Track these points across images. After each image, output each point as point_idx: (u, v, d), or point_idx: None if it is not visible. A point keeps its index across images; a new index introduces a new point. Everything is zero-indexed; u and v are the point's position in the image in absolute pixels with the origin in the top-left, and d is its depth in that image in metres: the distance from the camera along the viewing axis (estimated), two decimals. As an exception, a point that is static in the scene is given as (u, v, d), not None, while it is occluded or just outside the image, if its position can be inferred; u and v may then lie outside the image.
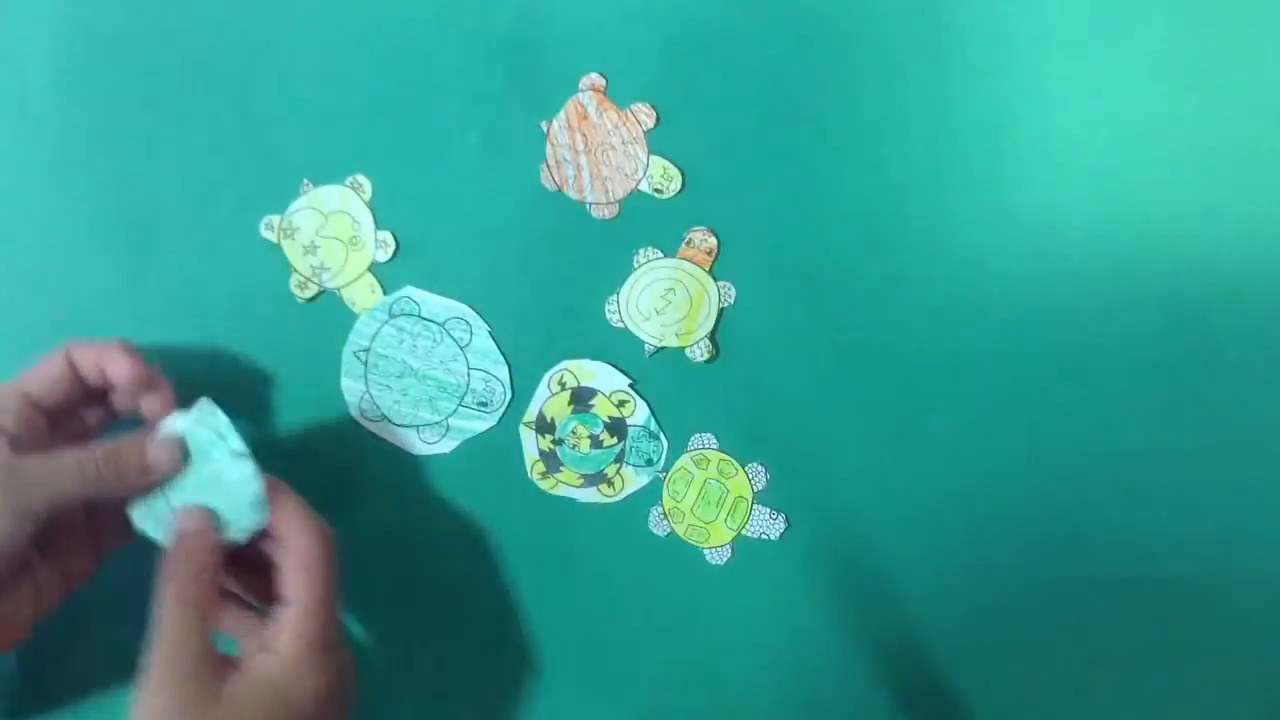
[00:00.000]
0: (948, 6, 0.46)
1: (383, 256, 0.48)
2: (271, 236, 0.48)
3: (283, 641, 0.39)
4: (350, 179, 0.48)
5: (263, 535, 0.42)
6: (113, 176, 0.49)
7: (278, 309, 0.48)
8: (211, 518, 0.41)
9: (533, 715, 0.47)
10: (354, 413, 0.48)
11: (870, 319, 0.46)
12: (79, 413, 0.44)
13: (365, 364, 0.48)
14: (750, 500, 0.46)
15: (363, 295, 0.48)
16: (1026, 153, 0.45)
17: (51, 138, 0.48)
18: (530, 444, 0.47)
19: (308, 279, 0.48)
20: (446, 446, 0.48)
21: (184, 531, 0.40)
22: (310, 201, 0.49)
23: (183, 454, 0.41)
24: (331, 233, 0.48)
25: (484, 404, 0.47)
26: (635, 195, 0.47)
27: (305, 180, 0.48)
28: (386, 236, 0.48)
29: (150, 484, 0.41)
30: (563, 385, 0.47)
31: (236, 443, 0.41)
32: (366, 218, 0.48)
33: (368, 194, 0.48)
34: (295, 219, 0.49)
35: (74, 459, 0.39)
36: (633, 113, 0.47)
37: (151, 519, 0.41)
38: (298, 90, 0.48)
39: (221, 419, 0.41)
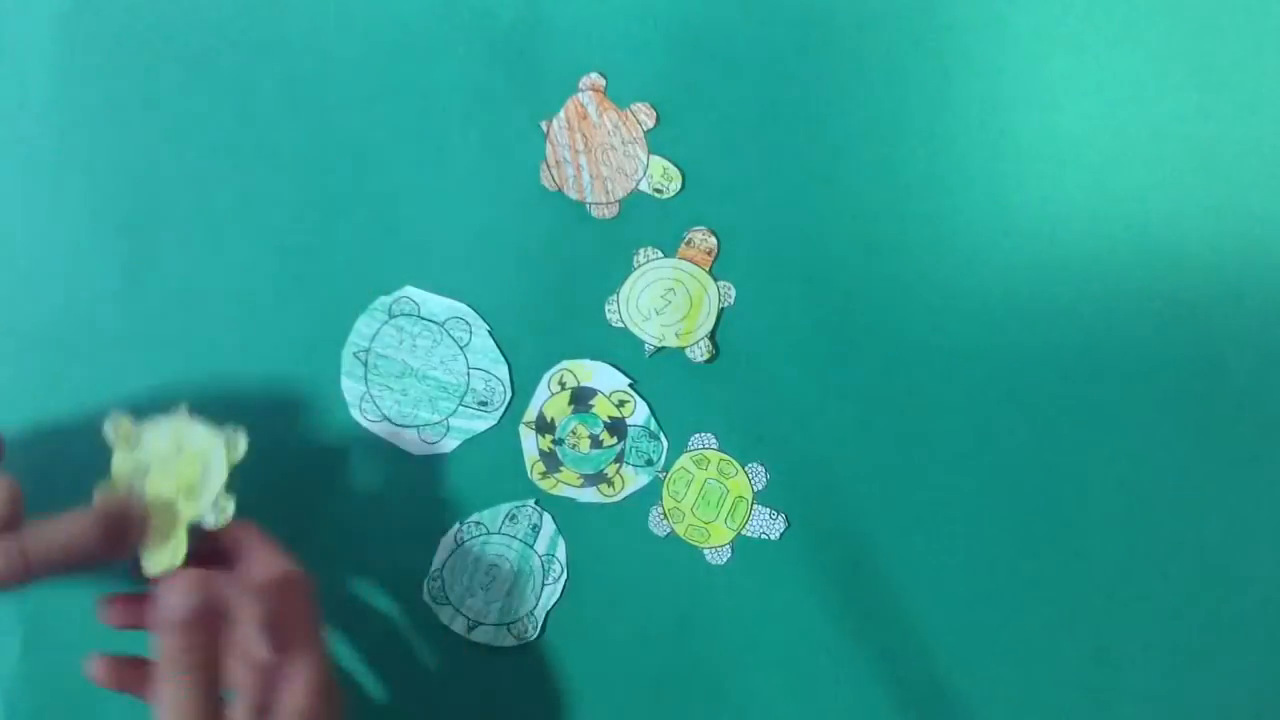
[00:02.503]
0: (948, 6, 0.46)
1: (383, 256, 0.48)
2: (271, 236, 0.48)
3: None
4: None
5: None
6: (113, 176, 0.49)
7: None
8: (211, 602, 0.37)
9: (533, 715, 0.47)
10: (354, 413, 0.48)
11: (870, 319, 0.46)
12: None
13: (365, 364, 0.48)
14: (750, 500, 0.46)
15: (363, 295, 0.48)
16: (1026, 153, 0.45)
17: (51, 138, 0.48)
18: (530, 444, 0.47)
19: (308, 279, 0.48)
20: (446, 446, 0.48)
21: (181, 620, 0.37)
22: (310, 201, 0.49)
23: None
24: (331, 233, 0.48)
25: (484, 404, 0.47)
26: (635, 195, 0.47)
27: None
28: (386, 236, 0.48)
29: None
30: (563, 385, 0.47)
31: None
32: (366, 218, 0.48)
33: (368, 194, 0.48)
34: (295, 219, 0.49)
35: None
36: (633, 113, 0.47)
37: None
38: (298, 90, 0.48)
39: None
